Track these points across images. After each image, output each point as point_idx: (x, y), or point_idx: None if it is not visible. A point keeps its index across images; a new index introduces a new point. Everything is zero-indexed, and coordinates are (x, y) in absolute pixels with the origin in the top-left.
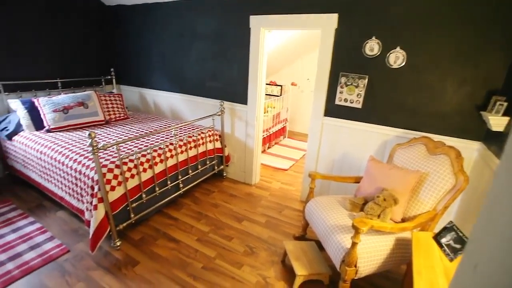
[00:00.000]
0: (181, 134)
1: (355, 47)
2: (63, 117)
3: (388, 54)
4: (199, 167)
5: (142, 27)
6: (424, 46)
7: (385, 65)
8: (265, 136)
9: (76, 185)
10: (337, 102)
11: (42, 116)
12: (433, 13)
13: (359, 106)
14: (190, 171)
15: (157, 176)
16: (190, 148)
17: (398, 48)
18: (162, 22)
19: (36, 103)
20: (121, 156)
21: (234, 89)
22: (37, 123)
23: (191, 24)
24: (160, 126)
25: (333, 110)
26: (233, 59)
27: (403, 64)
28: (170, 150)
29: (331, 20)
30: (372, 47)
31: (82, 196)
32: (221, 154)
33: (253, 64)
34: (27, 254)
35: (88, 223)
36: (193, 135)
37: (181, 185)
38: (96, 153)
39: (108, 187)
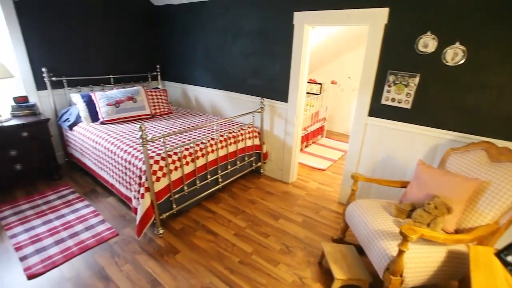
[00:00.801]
0: (221, 130)
1: (407, 43)
2: (115, 111)
3: (445, 50)
4: (238, 163)
5: (187, 25)
6: (488, 40)
7: (441, 62)
8: (303, 134)
9: (126, 174)
10: (383, 101)
11: (97, 109)
12: (500, 2)
13: (408, 106)
14: (229, 167)
15: (198, 170)
16: (230, 143)
17: (457, 44)
18: (206, 20)
19: (93, 97)
20: (166, 149)
21: (275, 86)
22: (93, 115)
23: (235, 21)
24: (202, 122)
25: (378, 109)
26: (275, 56)
27: (463, 61)
28: (211, 145)
29: (380, 15)
30: (426, 43)
31: (130, 184)
32: (259, 151)
33: (295, 62)
34: (83, 234)
35: (135, 210)
36: (233, 131)
37: (220, 180)
38: (145, 145)
39: (154, 177)
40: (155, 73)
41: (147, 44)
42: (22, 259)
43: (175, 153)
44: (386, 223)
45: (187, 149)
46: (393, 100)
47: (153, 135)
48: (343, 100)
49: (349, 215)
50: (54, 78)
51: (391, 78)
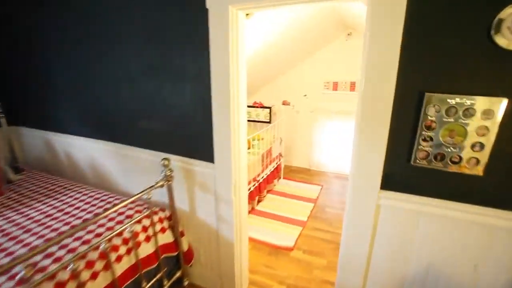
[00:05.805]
0: (88, 236)
1: (465, 32)
2: None
3: None
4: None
5: (36, 31)
6: None
7: None
8: (252, 187)
9: None
10: (417, 160)
11: None
12: None
13: (477, 171)
14: None
15: None
16: (119, 258)
17: None
18: (66, 22)
19: None
20: None
21: (187, 130)
22: None
23: (110, 20)
24: (58, 212)
25: (403, 177)
26: (181, 74)
27: None
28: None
29: None
30: None
31: None
32: (173, 253)
33: (219, 79)
34: None
35: None
36: (123, 232)
37: None
38: None
39: None
40: None
41: None
42: None
43: None
44: None
45: None
46: (438, 158)
47: None
48: (300, 125)
49: None
50: None
51: (431, 110)
